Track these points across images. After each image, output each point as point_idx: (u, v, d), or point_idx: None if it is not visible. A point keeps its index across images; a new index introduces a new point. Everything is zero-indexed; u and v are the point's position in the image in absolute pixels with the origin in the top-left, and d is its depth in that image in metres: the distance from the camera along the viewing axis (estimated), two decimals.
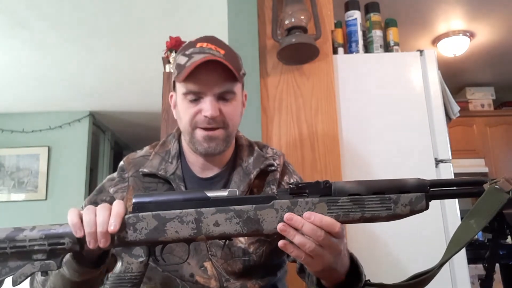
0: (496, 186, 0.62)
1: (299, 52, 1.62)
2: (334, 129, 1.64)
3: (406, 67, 1.74)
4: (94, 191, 0.94)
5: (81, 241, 0.64)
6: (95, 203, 0.66)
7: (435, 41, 3.13)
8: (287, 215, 0.63)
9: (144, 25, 2.65)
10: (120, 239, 0.64)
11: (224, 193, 0.67)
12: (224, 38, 1.23)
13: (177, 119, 0.92)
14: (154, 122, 3.99)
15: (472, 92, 3.86)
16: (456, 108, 1.80)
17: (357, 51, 1.80)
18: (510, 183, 0.62)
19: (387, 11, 2.00)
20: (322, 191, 0.65)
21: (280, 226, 0.63)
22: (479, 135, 3.67)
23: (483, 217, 0.62)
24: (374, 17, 1.88)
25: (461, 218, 1.24)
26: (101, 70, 3.30)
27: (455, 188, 0.68)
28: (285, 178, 0.97)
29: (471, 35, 3.06)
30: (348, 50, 1.82)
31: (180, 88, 0.87)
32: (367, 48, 1.85)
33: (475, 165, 3.54)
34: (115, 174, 0.95)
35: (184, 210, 0.65)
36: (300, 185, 0.66)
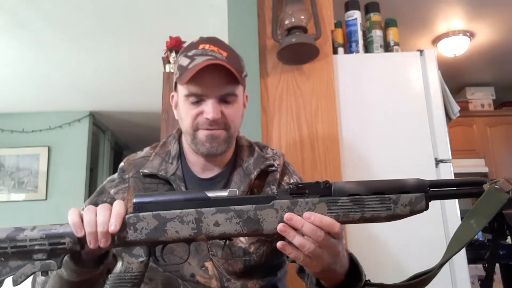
0: (496, 186, 0.62)
1: (299, 52, 1.62)
2: (334, 129, 1.64)
3: (406, 67, 1.74)
4: (94, 192, 0.94)
5: (82, 241, 0.64)
6: (96, 205, 0.66)
7: (435, 41, 3.13)
8: (287, 215, 0.63)
9: (144, 25, 2.65)
10: (120, 239, 0.64)
11: (224, 193, 0.67)
12: (224, 38, 1.23)
13: (179, 119, 0.92)
14: (154, 122, 3.98)
15: (472, 92, 3.86)
16: (456, 108, 1.80)
17: (357, 51, 1.80)
18: (510, 183, 0.62)
19: (387, 11, 2.00)
20: (322, 191, 0.65)
21: (280, 226, 0.63)
22: (479, 135, 3.67)
23: (483, 217, 0.62)
24: (374, 17, 1.88)
25: (461, 218, 1.24)
26: (101, 70, 3.30)
27: (455, 188, 0.68)
28: (285, 178, 0.97)
29: (471, 35, 3.06)
30: (348, 50, 1.82)
31: (182, 89, 0.87)
32: (367, 48, 1.85)
33: (475, 165, 3.54)
34: (115, 175, 0.95)
35: (184, 210, 0.65)
36: (300, 185, 0.66)
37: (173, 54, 1.97)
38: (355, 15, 1.84)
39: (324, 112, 1.65)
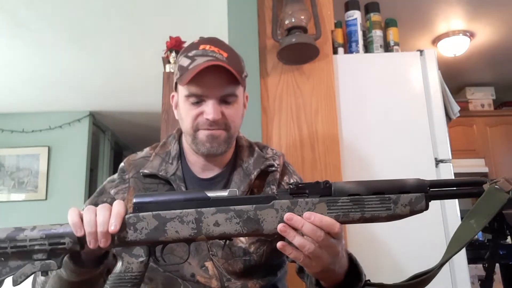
0: (496, 186, 0.62)
1: (299, 52, 1.62)
2: (334, 129, 1.64)
3: (406, 67, 1.74)
4: (94, 193, 0.94)
5: (82, 241, 0.64)
6: (96, 205, 0.66)
7: (435, 41, 3.13)
8: (287, 215, 0.63)
9: (144, 25, 2.65)
10: (120, 239, 0.64)
11: (224, 193, 0.67)
12: (224, 38, 1.23)
13: (179, 120, 0.93)
14: (154, 122, 3.99)
15: (472, 92, 3.86)
16: (456, 108, 1.80)
17: (357, 51, 1.80)
18: (510, 183, 0.62)
19: (387, 11, 2.00)
20: (322, 191, 0.65)
21: (280, 227, 0.63)
22: (479, 135, 3.67)
23: (483, 217, 0.62)
24: (374, 17, 1.88)
25: (461, 218, 1.24)
26: (101, 70, 3.30)
27: (455, 188, 0.68)
28: (285, 178, 0.97)
29: (471, 35, 3.06)
30: (348, 50, 1.82)
31: (183, 90, 0.87)
32: (367, 48, 1.85)
33: (475, 165, 3.54)
34: (115, 176, 0.95)
35: (184, 210, 0.65)
36: (300, 185, 0.66)
37: (173, 54, 1.97)
38: (355, 15, 1.84)
39: (324, 112, 1.65)
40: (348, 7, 1.87)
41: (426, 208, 0.65)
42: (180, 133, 0.98)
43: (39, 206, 3.95)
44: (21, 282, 0.63)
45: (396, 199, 0.64)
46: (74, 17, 2.55)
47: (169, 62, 1.98)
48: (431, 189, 0.65)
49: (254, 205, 0.65)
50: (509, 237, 0.65)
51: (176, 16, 2.55)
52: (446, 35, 3.04)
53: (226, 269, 0.86)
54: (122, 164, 0.96)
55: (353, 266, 0.73)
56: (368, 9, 1.90)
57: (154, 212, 0.65)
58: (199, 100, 0.86)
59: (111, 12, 2.51)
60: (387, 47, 1.85)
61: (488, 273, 0.67)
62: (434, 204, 0.65)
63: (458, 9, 2.73)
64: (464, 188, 0.68)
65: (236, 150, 0.97)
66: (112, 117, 4.42)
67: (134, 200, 0.66)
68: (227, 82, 0.85)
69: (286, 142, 1.62)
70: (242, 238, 0.87)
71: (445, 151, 1.65)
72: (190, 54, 0.86)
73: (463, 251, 1.52)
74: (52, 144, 4.10)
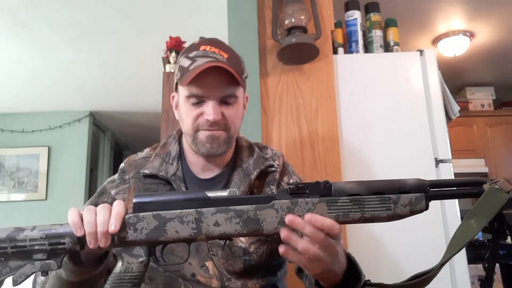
0: (496, 186, 0.62)
1: (299, 52, 1.62)
2: (334, 129, 1.64)
3: (406, 67, 1.74)
4: (95, 193, 0.95)
5: (82, 241, 0.64)
6: (96, 205, 0.66)
7: (435, 41, 3.13)
8: (288, 219, 0.63)
9: (144, 25, 2.65)
10: (120, 239, 0.64)
11: (224, 193, 0.67)
12: (224, 38, 1.23)
13: (179, 120, 0.93)
14: (154, 122, 3.99)
15: (472, 92, 3.86)
16: (456, 108, 1.80)
17: (357, 51, 1.80)
18: (510, 183, 0.62)
19: (387, 11, 2.00)
20: (322, 191, 0.65)
21: (283, 235, 0.63)
22: (479, 135, 3.66)
23: (483, 217, 0.62)
24: (374, 17, 1.88)
25: (461, 218, 1.24)
26: (101, 70, 3.30)
27: (455, 188, 0.68)
28: (285, 178, 0.97)
29: (471, 35, 3.06)
30: (348, 50, 1.82)
31: (183, 90, 0.87)
32: (367, 48, 1.85)
33: (475, 165, 3.54)
34: (115, 176, 0.95)
35: (184, 210, 0.65)
36: (300, 185, 0.66)
37: (173, 54, 1.97)
38: (355, 15, 1.84)
39: (324, 112, 1.65)
40: (348, 7, 1.87)
41: (426, 208, 0.65)
42: (180, 134, 0.98)
43: (39, 206, 3.95)
44: (21, 282, 0.63)
45: (396, 199, 0.64)
46: (74, 17, 2.55)
47: (169, 62, 1.98)
48: (431, 189, 0.65)
49: (254, 205, 0.65)
50: (509, 237, 0.65)
51: (176, 16, 2.55)
52: (446, 35, 3.04)
53: (226, 269, 0.86)
54: (122, 165, 0.96)
55: (352, 266, 0.73)
56: (368, 9, 1.90)
57: (154, 212, 0.65)
58: (199, 101, 0.86)
59: (111, 12, 2.51)
60: (387, 47, 1.85)
61: (488, 273, 0.67)
62: (434, 204, 0.65)
63: (458, 9, 2.74)
64: (464, 188, 0.68)
65: (236, 151, 0.97)
66: (112, 117, 4.42)
67: (134, 200, 0.66)
68: (227, 83, 0.85)
69: (286, 142, 1.62)
70: (242, 238, 0.88)
71: (445, 151, 1.65)
72: (190, 55, 0.86)
73: (463, 251, 1.52)
74: (52, 144, 4.10)
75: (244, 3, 1.69)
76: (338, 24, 1.84)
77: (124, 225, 0.64)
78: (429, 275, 0.65)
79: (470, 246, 1.97)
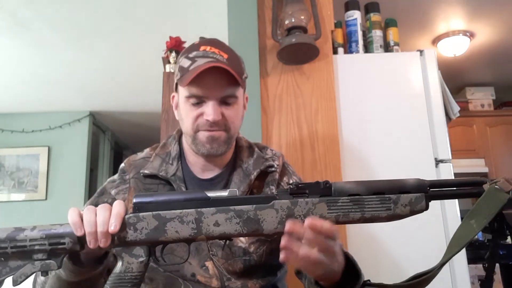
0: (496, 186, 0.62)
1: (299, 52, 1.62)
2: (334, 129, 1.64)
3: (406, 67, 1.74)
4: (95, 193, 0.95)
5: (82, 240, 0.64)
6: (96, 205, 0.66)
7: (435, 41, 3.13)
8: (288, 227, 0.62)
9: (144, 25, 2.65)
10: (120, 239, 0.64)
11: (224, 193, 0.67)
12: (224, 38, 1.23)
13: (179, 120, 0.93)
14: (154, 122, 3.99)
15: (472, 92, 3.86)
16: (456, 108, 1.80)
17: (357, 51, 1.80)
18: (510, 183, 0.62)
19: (387, 11, 2.00)
20: (322, 191, 0.65)
21: (283, 243, 0.63)
22: (479, 135, 3.67)
23: (483, 217, 0.62)
24: (374, 17, 1.88)
25: (461, 218, 1.24)
26: (101, 70, 3.30)
27: (455, 188, 0.68)
28: (285, 179, 0.98)
29: (471, 35, 3.06)
30: (348, 50, 1.82)
31: (183, 91, 0.87)
32: (367, 48, 1.85)
33: (475, 165, 3.54)
34: (115, 176, 0.95)
35: (184, 210, 0.65)
36: (300, 185, 0.66)
37: (173, 54, 1.97)
38: (355, 15, 1.84)
39: (324, 112, 1.65)
40: (348, 7, 1.86)
41: (426, 208, 0.65)
42: (180, 134, 0.98)
43: (39, 206, 3.95)
44: (21, 282, 0.63)
45: (396, 199, 0.64)
46: (74, 17, 2.55)
47: (169, 62, 1.98)
48: (431, 189, 0.65)
49: (254, 205, 0.65)
50: (509, 237, 0.65)
51: (176, 16, 2.55)
52: (446, 35, 3.04)
53: (226, 269, 0.86)
54: (122, 165, 0.96)
55: (351, 265, 0.73)
56: (368, 9, 1.90)
57: (154, 212, 0.65)
58: (199, 101, 0.86)
59: (111, 12, 2.51)
60: (387, 47, 1.85)
61: (488, 273, 0.67)
62: (434, 204, 0.65)
63: (458, 9, 2.73)
64: (464, 188, 0.68)
65: (236, 151, 0.97)
66: (112, 117, 4.42)
67: (134, 200, 0.66)
68: (227, 83, 0.85)
69: (286, 142, 1.62)
70: (242, 238, 0.88)
71: (445, 151, 1.65)
72: (190, 55, 0.86)
73: (463, 251, 1.52)
74: (52, 144, 4.10)
75: (244, 3, 1.69)
76: (338, 24, 1.84)
77: (124, 225, 0.64)
78: (429, 275, 0.65)
79: (470, 246, 1.97)
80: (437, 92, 1.70)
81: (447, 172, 1.63)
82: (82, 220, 0.64)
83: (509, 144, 3.64)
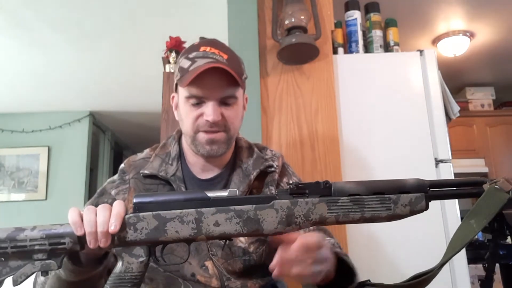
0: (496, 186, 0.62)
1: (299, 52, 1.62)
2: (334, 129, 1.64)
3: (406, 67, 1.74)
4: (95, 194, 0.95)
5: (82, 240, 0.64)
6: (97, 206, 0.66)
7: (435, 41, 3.13)
8: (275, 262, 0.66)
9: (144, 25, 2.65)
10: (120, 239, 0.64)
11: (224, 193, 0.67)
12: (224, 38, 1.23)
13: (179, 121, 0.93)
14: (154, 122, 3.98)
15: (472, 92, 3.86)
16: (456, 108, 1.80)
17: (357, 51, 1.80)
18: (510, 183, 0.62)
19: (387, 11, 2.00)
20: (322, 191, 0.65)
21: (275, 274, 0.66)
22: (479, 135, 3.67)
23: (483, 217, 0.62)
24: (374, 17, 1.88)
25: (461, 218, 1.24)
26: (101, 70, 3.30)
27: (455, 188, 0.68)
28: (284, 179, 0.98)
29: (471, 35, 3.06)
30: (348, 50, 1.82)
31: (183, 91, 0.87)
32: (367, 48, 1.85)
33: (475, 165, 3.54)
34: (115, 177, 0.95)
35: (184, 210, 0.65)
36: (300, 185, 0.66)
37: (173, 54, 1.97)
38: (355, 15, 1.84)
39: (324, 112, 1.65)
40: (348, 7, 1.87)
41: (426, 208, 0.65)
42: (180, 134, 0.98)
43: (39, 206, 3.95)
44: (21, 282, 0.63)
45: (396, 199, 0.64)
46: (74, 17, 2.55)
47: (169, 62, 1.98)
48: (431, 189, 0.65)
49: (254, 205, 0.65)
50: (509, 237, 0.65)
51: (176, 16, 2.55)
52: (446, 35, 3.04)
53: (226, 268, 0.86)
54: (122, 165, 0.96)
55: (345, 263, 0.75)
56: (368, 9, 1.90)
57: (154, 212, 0.65)
58: (199, 102, 0.86)
59: (111, 12, 2.51)
60: (387, 47, 1.85)
61: (488, 273, 0.67)
62: (434, 204, 0.65)
63: (458, 9, 2.74)
64: (464, 188, 0.68)
65: (236, 151, 0.97)
66: (112, 117, 4.42)
67: (134, 200, 0.66)
68: (227, 84, 0.85)
69: (286, 142, 1.62)
70: (241, 238, 0.88)
71: (445, 151, 1.65)
72: (190, 56, 0.86)
73: (463, 251, 1.52)
74: (52, 144, 4.10)
75: (244, 3, 1.69)
76: (338, 24, 1.84)
77: (124, 225, 0.64)
78: (429, 275, 0.65)
79: (470, 246, 1.97)
80: (437, 92, 1.70)
81: (447, 172, 1.63)
82: (82, 220, 0.64)
83: (509, 144, 3.64)
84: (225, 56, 0.86)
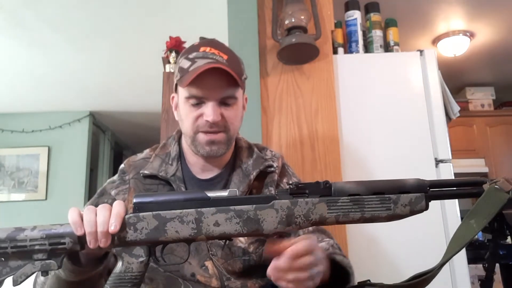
0: (496, 186, 0.62)
1: (299, 52, 1.62)
2: (334, 129, 1.64)
3: (406, 67, 1.74)
4: (95, 194, 0.95)
5: (82, 240, 0.64)
6: (97, 206, 0.66)
7: (435, 41, 3.13)
8: (269, 271, 0.67)
9: (144, 25, 2.66)
10: (120, 239, 0.64)
11: (224, 193, 0.67)
12: (224, 38, 1.23)
13: (179, 121, 0.93)
14: (154, 122, 3.98)
15: (472, 92, 3.86)
16: (456, 108, 1.80)
17: (357, 51, 1.80)
18: (510, 183, 0.62)
19: (387, 11, 2.00)
20: (322, 191, 0.65)
21: (272, 279, 0.67)
22: (479, 135, 3.67)
23: (483, 217, 0.62)
24: (374, 17, 1.88)
25: (461, 218, 1.24)
26: (101, 70, 3.30)
27: (455, 188, 0.68)
28: (284, 180, 0.98)
29: (471, 35, 3.06)
30: (348, 50, 1.82)
31: (183, 91, 0.88)
32: (367, 48, 1.85)
33: (475, 165, 3.54)
34: (115, 177, 0.95)
35: (184, 210, 0.65)
36: (300, 185, 0.67)
37: (173, 54, 1.97)
38: (355, 15, 1.83)
39: (324, 112, 1.65)
40: (348, 7, 1.86)
41: (426, 208, 0.65)
42: (180, 135, 0.98)
43: (39, 206, 3.96)
44: (21, 282, 0.63)
45: (396, 199, 0.64)
46: (74, 17, 2.55)
47: (169, 62, 1.98)
48: (431, 189, 0.65)
49: (254, 205, 0.65)
50: (509, 237, 0.65)
51: (176, 16, 2.55)
52: (446, 35, 3.04)
53: (226, 268, 0.86)
54: (122, 166, 0.97)
55: (336, 263, 0.76)
56: (368, 9, 1.90)
57: (154, 212, 0.65)
58: (199, 102, 0.86)
59: (111, 12, 2.51)
60: (387, 47, 1.85)
61: (488, 273, 0.67)
62: (434, 204, 0.65)
63: (458, 9, 2.74)
64: (464, 188, 0.68)
65: (236, 151, 0.98)
66: (112, 117, 4.42)
67: (134, 200, 0.66)
68: (227, 84, 0.85)
69: (286, 142, 1.62)
70: (241, 238, 0.88)
71: (445, 151, 1.65)
72: (190, 56, 0.86)
73: (463, 251, 1.52)
74: (52, 144, 4.11)
75: (244, 3, 1.69)
76: (338, 24, 1.84)
77: (124, 225, 0.64)
78: (429, 275, 0.65)
79: (470, 246, 1.97)
80: (437, 92, 1.70)
81: (447, 172, 1.63)
82: (82, 220, 0.64)
83: (509, 144, 3.64)
84: (225, 57, 0.86)
